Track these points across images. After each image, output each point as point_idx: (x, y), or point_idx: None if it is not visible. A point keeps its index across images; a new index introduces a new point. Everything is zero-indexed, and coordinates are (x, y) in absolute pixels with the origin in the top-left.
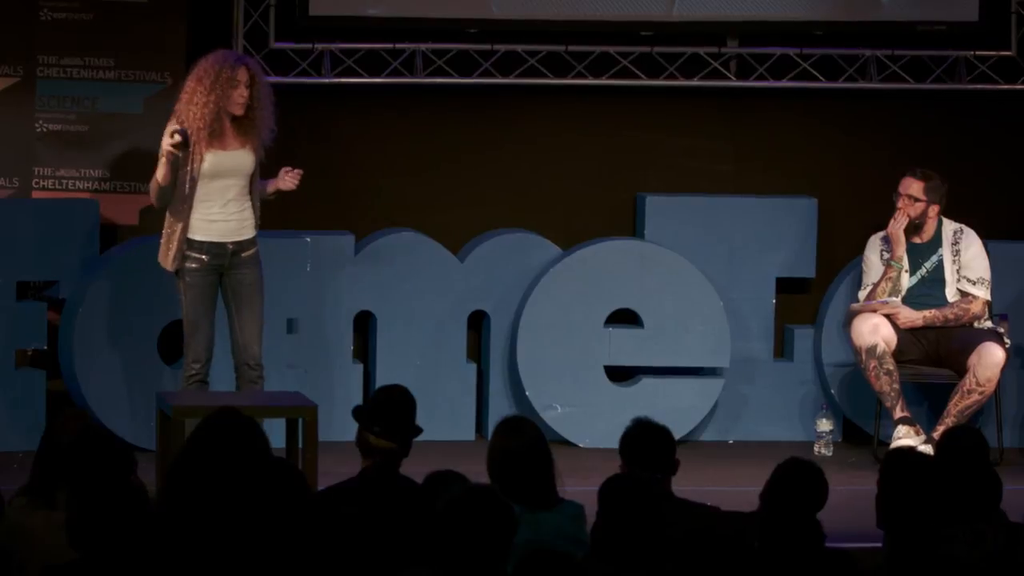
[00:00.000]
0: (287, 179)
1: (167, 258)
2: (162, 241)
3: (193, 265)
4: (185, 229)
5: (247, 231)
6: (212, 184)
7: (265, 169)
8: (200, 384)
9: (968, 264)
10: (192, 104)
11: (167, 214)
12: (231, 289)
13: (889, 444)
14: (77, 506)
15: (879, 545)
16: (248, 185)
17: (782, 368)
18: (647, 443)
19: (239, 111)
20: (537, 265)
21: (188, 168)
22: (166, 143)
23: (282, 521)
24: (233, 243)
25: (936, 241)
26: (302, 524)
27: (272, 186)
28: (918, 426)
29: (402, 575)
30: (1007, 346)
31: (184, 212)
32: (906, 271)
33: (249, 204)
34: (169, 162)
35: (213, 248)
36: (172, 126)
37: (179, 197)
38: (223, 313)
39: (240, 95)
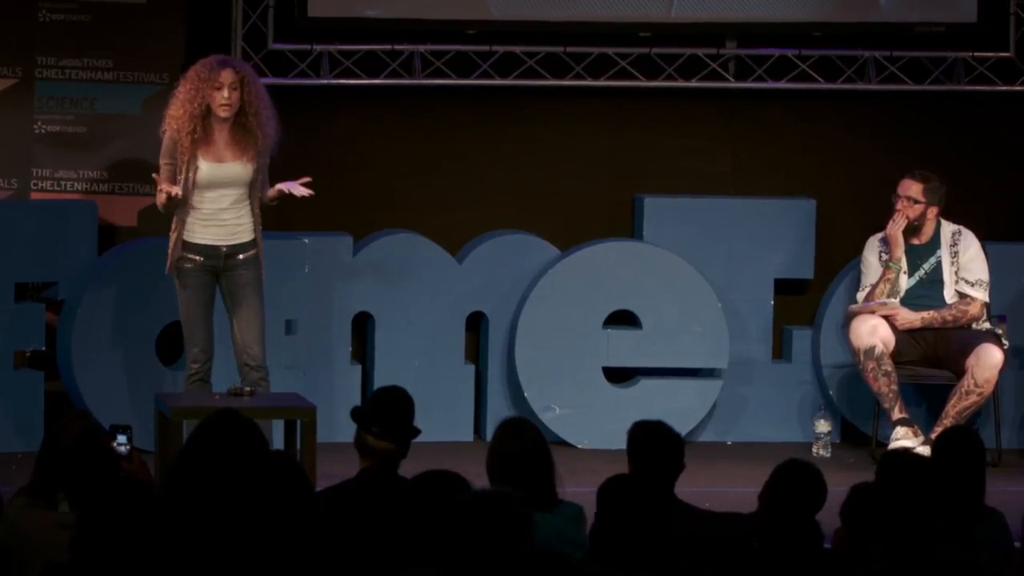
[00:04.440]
0: (298, 186)
1: (169, 261)
2: (169, 245)
3: (188, 266)
4: (181, 233)
5: (243, 235)
6: (206, 193)
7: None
8: (201, 383)
9: (966, 266)
10: (178, 107)
11: (173, 218)
12: (228, 291)
13: (887, 445)
14: (82, 508)
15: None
16: (247, 192)
17: (780, 369)
18: (656, 447)
19: (223, 113)
20: (535, 266)
21: (184, 176)
22: (160, 197)
23: (281, 522)
24: (227, 246)
25: (935, 242)
26: (302, 523)
27: (275, 190)
28: (916, 427)
29: (401, 575)
30: (1005, 347)
31: (182, 216)
32: (904, 272)
33: (247, 210)
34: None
35: (207, 250)
36: (164, 185)
37: (178, 203)
38: (223, 315)
39: (222, 97)
